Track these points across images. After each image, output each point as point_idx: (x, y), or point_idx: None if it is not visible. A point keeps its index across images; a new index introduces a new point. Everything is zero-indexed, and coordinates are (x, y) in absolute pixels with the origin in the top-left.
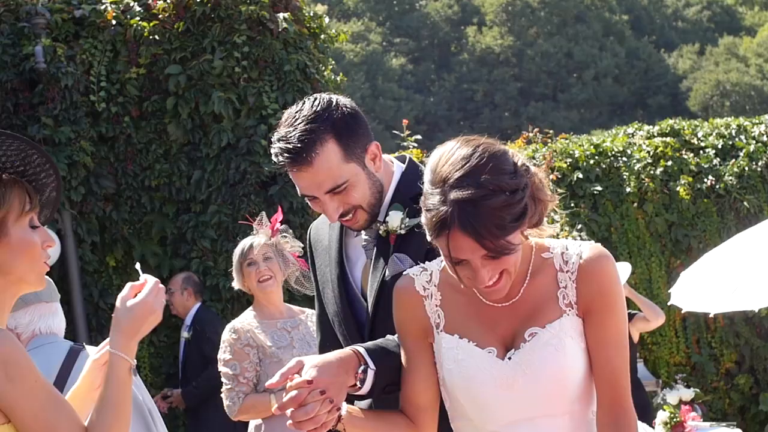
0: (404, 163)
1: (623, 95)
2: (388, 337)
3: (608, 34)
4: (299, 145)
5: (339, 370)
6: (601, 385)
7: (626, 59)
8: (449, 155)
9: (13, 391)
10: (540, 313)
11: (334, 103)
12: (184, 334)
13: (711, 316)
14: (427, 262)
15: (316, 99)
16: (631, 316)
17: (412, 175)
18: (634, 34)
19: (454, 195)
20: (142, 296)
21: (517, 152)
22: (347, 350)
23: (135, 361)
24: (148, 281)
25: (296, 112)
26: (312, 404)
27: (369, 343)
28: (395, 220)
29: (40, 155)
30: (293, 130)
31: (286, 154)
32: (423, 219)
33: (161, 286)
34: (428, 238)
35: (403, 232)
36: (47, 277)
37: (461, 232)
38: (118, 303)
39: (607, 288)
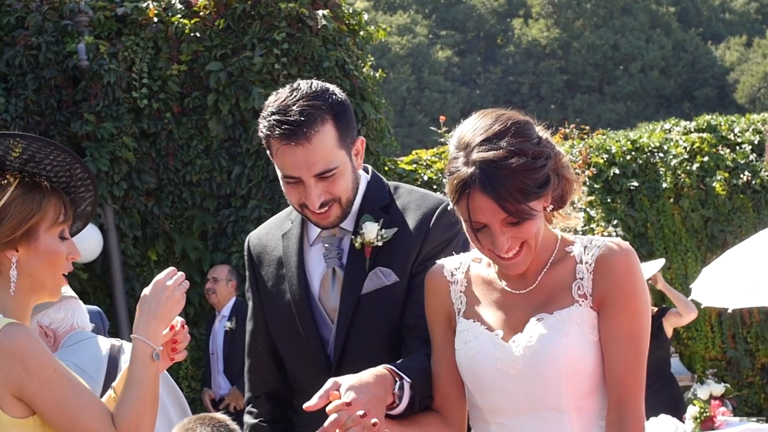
0: (368, 174)
1: (670, 87)
2: (411, 357)
3: (655, 26)
4: (301, 119)
5: (377, 389)
6: (609, 381)
7: (673, 51)
8: (474, 123)
9: (33, 382)
10: (552, 301)
11: (330, 89)
12: (227, 324)
13: (729, 311)
14: (461, 254)
15: (312, 82)
16: (664, 312)
17: (377, 186)
18: (681, 26)
19: (476, 156)
20: (159, 280)
21: (543, 128)
22: (381, 368)
23: (159, 346)
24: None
25: (293, 91)
26: (354, 428)
27: (405, 362)
28: (371, 231)
29: (83, 170)
30: (293, 105)
31: (285, 126)
32: (447, 185)
33: (182, 273)
34: (450, 204)
35: (380, 244)
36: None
37: (482, 193)
38: (144, 290)
39: (623, 280)
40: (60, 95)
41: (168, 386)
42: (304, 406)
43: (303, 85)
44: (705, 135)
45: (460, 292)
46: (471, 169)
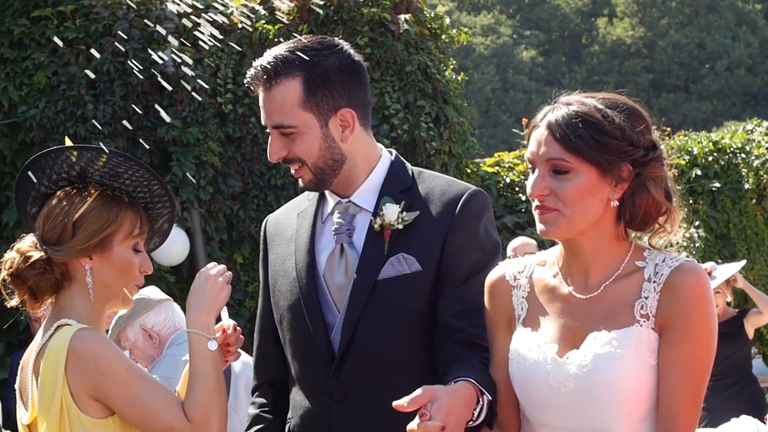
0: (392, 156)
1: (757, 86)
2: (481, 369)
3: (741, 23)
4: (267, 66)
5: (466, 411)
6: (661, 410)
7: (759, 49)
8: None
9: (106, 382)
10: (612, 317)
11: (331, 50)
12: None
13: None
14: (526, 257)
15: (321, 38)
16: (745, 312)
17: (399, 168)
18: None
19: (561, 99)
20: (202, 272)
21: (658, 134)
22: (466, 384)
23: (214, 336)
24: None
25: (295, 41)
26: None
27: (465, 372)
28: (392, 213)
29: (161, 186)
30: (274, 53)
31: (256, 68)
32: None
33: (223, 266)
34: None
35: (400, 227)
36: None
37: (543, 126)
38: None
39: (691, 307)
40: (147, 101)
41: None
42: (394, 404)
43: (304, 39)
44: None
45: (522, 297)
46: (549, 109)
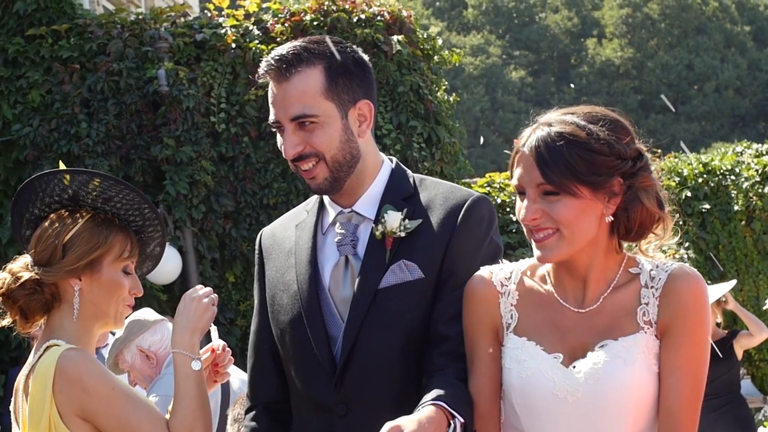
0: (392, 163)
1: (745, 107)
2: (455, 385)
3: (730, 45)
4: (286, 56)
5: None
6: (663, 414)
7: (748, 71)
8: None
9: (92, 401)
10: (616, 326)
11: (343, 45)
12: None
13: None
14: (507, 262)
15: (330, 36)
16: (735, 334)
17: (400, 175)
18: (756, 45)
19: (542, 119)
20: (187, 294)
21: (644, 147)
22: (433, 409)
23: (198, 356)
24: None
25: (303, 39)
26: None
27: (438, 393)
28: (394, 220)
29: (151, 210)
30: (290, 45)
31: (270, 61)
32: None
33: (209, 288)
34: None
35: (403, 234)
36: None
37: (528, 152)
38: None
39: (691, 310)
40: (141, 120)
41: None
42: None
43: (311, 37)
44: None
45: (511, 305)
46: (531, 131)
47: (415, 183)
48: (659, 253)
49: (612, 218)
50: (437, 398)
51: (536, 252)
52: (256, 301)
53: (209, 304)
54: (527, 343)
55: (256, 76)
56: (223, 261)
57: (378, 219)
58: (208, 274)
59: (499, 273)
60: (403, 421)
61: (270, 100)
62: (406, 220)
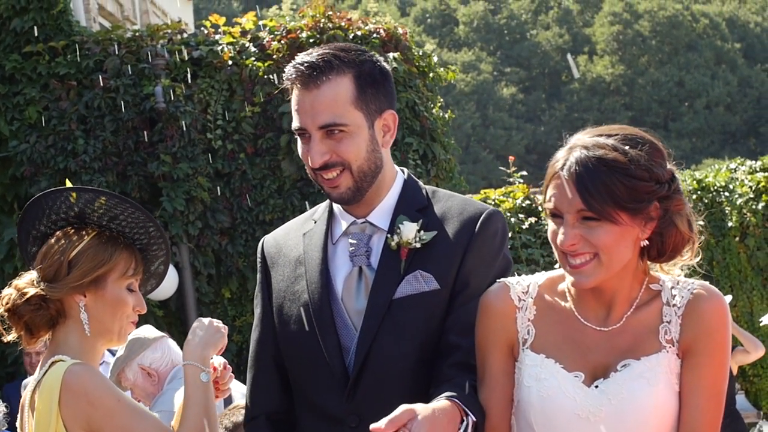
0: (405, 174)
1: (735, 124)
2: (470, 390)
3: (720, 62)
4: (316, 63)
5: (450, 429)
6: None
7: (738, 87)
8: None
9: (97, 414)
10: (638, 345)
11: (369, 54)
12: None
13: None
14: (524, 276)
15: (353, 45)
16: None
17: (413, 187)
18: (747, 62)
19: (578, 141)
20: (202, 319)
21: (676, 170)
22: (449, 404)
23: (208, 369)
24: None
25: (328, 45)
26: None
27: (451, 393)
28: (410, 231)
29: (156, 229)
30: (318, 52)
31: (299, 67)
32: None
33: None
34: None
35: (418, 245)
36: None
37: (566, 177)
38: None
39: (714, 330)
40: (137, 136)
41: None
42: (371, 427)
43: (336, 44)
44: None
45: (528, 320)
46: (567, 153)
47: (428, 194)
48: (677, 269)
49: (647, 242)
50: (451, 397)
51: (571, 278)
52: (258, 311)
53: (221, 329)
54: (546, 361)
55: (284, 79)
56: (219, 277)
57: (393, 229)
58: (204, 290)
59: (517, 287)
60: (418, 406)
61: (295, 106)
62: (422, 231)
